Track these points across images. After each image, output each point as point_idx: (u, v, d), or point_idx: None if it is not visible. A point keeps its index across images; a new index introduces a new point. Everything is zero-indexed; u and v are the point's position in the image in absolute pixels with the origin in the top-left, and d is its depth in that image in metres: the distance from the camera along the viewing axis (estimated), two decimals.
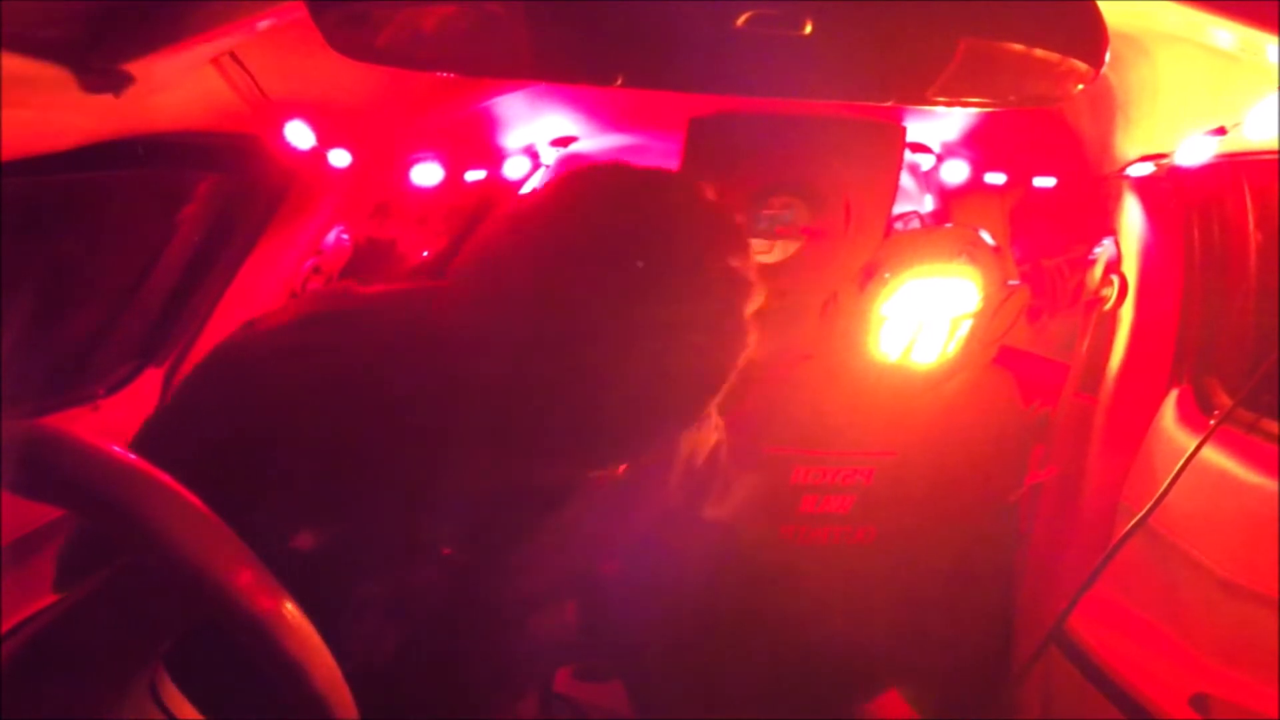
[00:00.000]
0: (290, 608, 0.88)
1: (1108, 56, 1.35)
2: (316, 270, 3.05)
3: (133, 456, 0.84)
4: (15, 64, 1.30)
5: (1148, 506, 2.15)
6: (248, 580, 0.86)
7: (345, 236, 3.17)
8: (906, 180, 3.66)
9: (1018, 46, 1.37)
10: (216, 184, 2.49)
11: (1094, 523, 2.53)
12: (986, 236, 2.41)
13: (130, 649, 0.93)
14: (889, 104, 2.79)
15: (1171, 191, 2.44)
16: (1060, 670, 2.42)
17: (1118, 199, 2.57)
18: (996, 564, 2.69)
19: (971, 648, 2.59)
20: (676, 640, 2.38)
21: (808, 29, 1.34)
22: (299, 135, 2.21)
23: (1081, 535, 2.56)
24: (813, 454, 2.53)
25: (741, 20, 1.33)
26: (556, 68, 1.62)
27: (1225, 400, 2.34)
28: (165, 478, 0.84)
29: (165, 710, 0.97)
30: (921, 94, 1.60)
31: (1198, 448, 2.11)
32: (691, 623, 2.36)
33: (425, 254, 4.14)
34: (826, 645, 2.50)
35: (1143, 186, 2.48)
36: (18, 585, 1.70)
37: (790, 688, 2.44)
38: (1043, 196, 3.45)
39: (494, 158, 3.25)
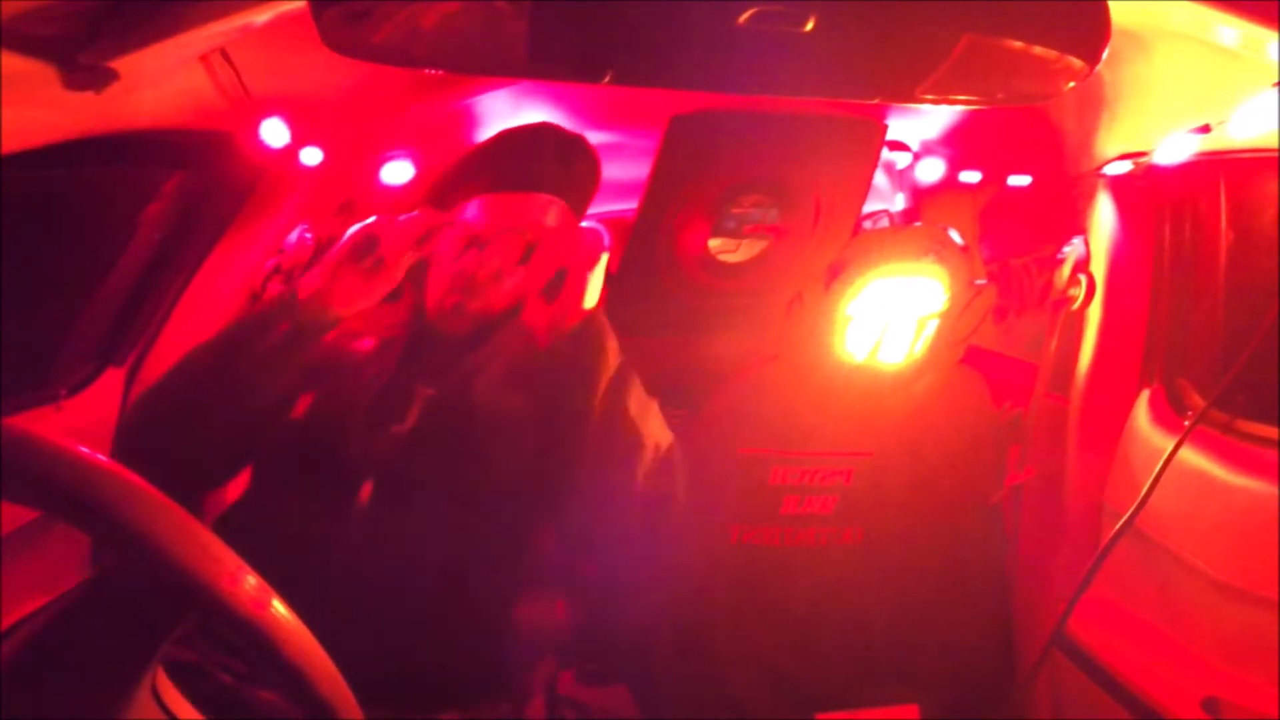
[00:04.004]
0: (279, 607, 0.87)
1: (1105, 54, 1.35)
2: (278, 270, 3.00)
3: (104, 458, 0.83)
4: (7, 62, 1.27)
5: (1132, 508, 2.17)
6: (231, 579, 0.85)
7: (309, 235, 3.12)
8: (880, 178, 3.65)
9: (1018, 44, 1.37)
10: (184, 181, 2.45)
11: (1079, 525, 2.55)
12: (955, 235, 2.41)
13: (130, 649, 0.91)
14: (875, 102, 2.79)
15: (1147, 190, 2.47)
16: (1068, 675, 2.43)
17: (1091, 197, 2.58)
18: (989, 566, 2.70)
19: (972, 651, 2.60)
20: (677, 643, 2.37)
21: (809, 26, 1.33)
22: (274, 133, 2.18)
23: (1068, 537, 2.58)
24: (788, 454, 2.51)
25: (744, 18, 1.31)
26: (556, 65, 1.60)
27: (1198, 401, 2.36)
28: (138, 479, 0.83)
29: (165, 710, 0.95)
30: (910, 92, 1.59)
31: (1175, 449, 2.13)
32: (691, 625, 2.36)
33: None
34: (826, 646, 2.49)
35: (1118, 185, 2.50)
36: (15, 582, 1.67)
37: (793, 689, 2.44)
38: (1016, 194, 3.46)
39: None
